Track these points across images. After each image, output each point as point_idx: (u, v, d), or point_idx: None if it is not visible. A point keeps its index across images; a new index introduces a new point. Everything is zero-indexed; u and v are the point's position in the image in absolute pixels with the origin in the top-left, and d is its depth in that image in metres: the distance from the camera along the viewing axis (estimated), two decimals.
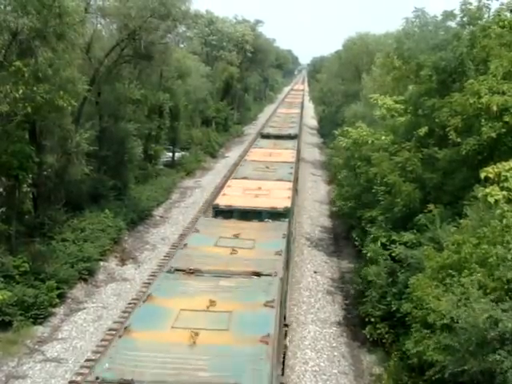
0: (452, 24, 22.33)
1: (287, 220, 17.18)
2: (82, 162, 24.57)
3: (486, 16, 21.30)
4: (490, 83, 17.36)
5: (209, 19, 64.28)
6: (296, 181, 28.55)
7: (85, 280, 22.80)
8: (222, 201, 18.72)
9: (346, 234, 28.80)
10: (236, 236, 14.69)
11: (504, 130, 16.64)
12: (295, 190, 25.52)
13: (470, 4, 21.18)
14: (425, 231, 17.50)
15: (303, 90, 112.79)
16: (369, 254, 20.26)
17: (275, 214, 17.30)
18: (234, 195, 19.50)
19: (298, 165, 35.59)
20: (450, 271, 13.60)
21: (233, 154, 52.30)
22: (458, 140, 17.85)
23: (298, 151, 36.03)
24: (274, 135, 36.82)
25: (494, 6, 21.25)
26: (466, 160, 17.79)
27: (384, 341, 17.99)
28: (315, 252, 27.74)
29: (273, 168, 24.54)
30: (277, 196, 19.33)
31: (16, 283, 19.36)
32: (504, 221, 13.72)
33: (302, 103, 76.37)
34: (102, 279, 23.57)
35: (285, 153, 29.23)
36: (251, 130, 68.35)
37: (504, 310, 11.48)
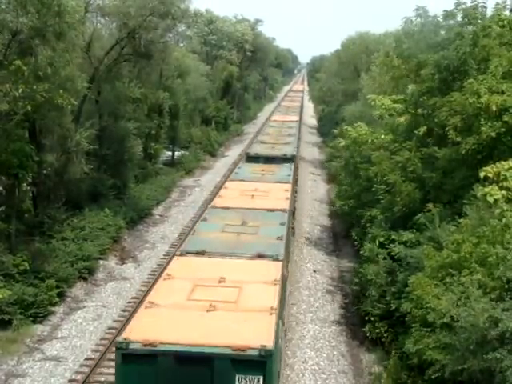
0: (452, 23, 22.37)
1: None
2: (81, 161, 24.60)
3: (482, 15, 21.33)
4: (489, 83, 17.37)
5: (208, 18, 64.31)
6: (289, 255, 18.48)
7: (84, 279, 22.81)
8: (137, 332, 9.47)
9: (345, 233, 28.81)
10: None
11: (503, 130, 16.63)
12: (287, 272, 15.47)
13: (465, 4, 21.24)
14: (424, 230, 17.52)
15: (302, 91, 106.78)
16: (366, 254, 20.28)
17: (242, 366, 9.16)
18: (168, 307, 10.33)
19: (294, 210, 25.41)
20: (450, 270, 13.61)
21: (232, 153, 52.29)
22: (458, 139, 17.85)
23: (295, 183, 27.31)
24: (263, 156, 28.58)
25: (492, 4, 21.19)
26: (466, 159, 17.79)
27: (383, 340, 18.00)
28: (314, 251, 27.76)
29: (253, 224, 15.69)
30: (252, 305, 10.54)
31: (16, 282, 19.35)
32: (503, 220, 13.72)
33: (302, 107, 69.40)
34: (101, 278, 23.57)
35: (275, 190, 20.54)
36: (251, 128, 68.32)
37: (504, 310, 11.50)
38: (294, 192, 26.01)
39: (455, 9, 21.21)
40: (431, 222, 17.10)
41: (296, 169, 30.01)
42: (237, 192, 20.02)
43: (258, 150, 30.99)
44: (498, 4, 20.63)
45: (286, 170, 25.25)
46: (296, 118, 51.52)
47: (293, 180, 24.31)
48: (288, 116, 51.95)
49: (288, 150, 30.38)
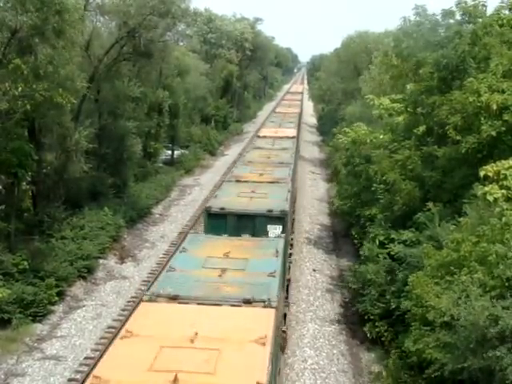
0: (451, 21, 22.42)
1: None
2: (81, 160, 24.57)
3: (482, 14, 21.38)
4: (489, 81, 17.38)
5: (208, 17, 64.26)
6: None
7: (84, 278, 22.80)
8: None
9: (345, 231, 28.81)
10: None
11: (504, 129, 16.65)
12: None
13: (465, 3, 21.26)
14: (424, 229, 17.52)
15: (302, 93, 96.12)
16: (366, 253, 20.26)
17: None
18: None
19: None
20: (451, 268, 13.61)
21: (232, 152, 52.26)
22: (458, 138, 17.86)
23: (284, 304, 16.32)
24: (234, 214, 17.54)
25: (492, 3, 21.27)
26: (466, 158, 17.79)
27: (383, 339, 18.01)
28: (314, 250, 27.74)
29: None
30: None
31: (15, 281, 19.36)
32: (503, 219, 13.72)
33: (300, 114, 57.56)
34: (101, 277, 23.56)
35: (242, 334, 9.43)
36: (250, 127, 68.30)
37: (504, 308, 11.49)
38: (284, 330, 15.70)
39: (456, 7, 21.26)
40: (431, 221, 17.10)
41: (287, 252, 17.47)
42: (150, 348, 8.92)
43: (227, 199, 18.80)
44: (502, 2, 20.66)
45: (269, 255, 13.73)
46: (293, 131, 37.79)
47: (279, 300, 11.58)
48: (282, 129, 38.41)
49: (277, 200, 18.66)
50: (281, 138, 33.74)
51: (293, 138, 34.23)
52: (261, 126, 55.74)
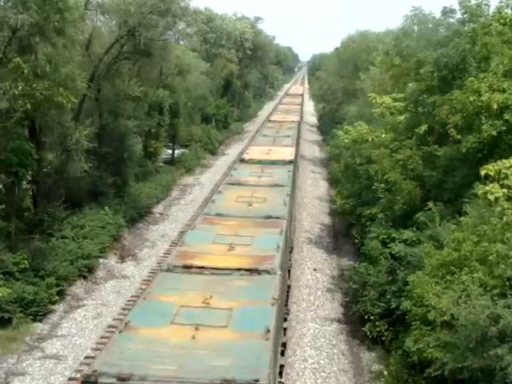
0: (452, 21, 22.41)
1: None
2: (81, 159, 24.55)
3: (486, 13, 21.36)
4: (490, 81, 17.36)
5: (208, 16, 64.21)
6: None
7: (84, 277, 22.79)
8: None
9: (345, 231, 28.78)
10: None
11: (504, 128, 16.64)
12: None
13: (469, 1, 21.24)
14: (424, 229, 17.51)
15: (302, 95, 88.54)
16: (370, 252, 20.22)
17: None
18: None
19: None
20: (452, 268, 13.60)
21: (232, 152, 52.25)
22: (458, 138, 17.85)
23: None
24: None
25: (494, 2, 21.26)
26: (467, 158, 17.79)
27: (383, 338, 18.00)
28: (315, 249, 27.73)
29: None
30: None
31: (15, 280, 19.36)
32: (504, 218, 13.72)
33: (300, 123, 49.24)
34: (101, 276, 23.56)
35: None
36: (251, 127, 68.29)
37: (506, 306, 11.48)
38: None
39: (459, 5, 21.23)
40: (432, 221, 17.10)
41: None
42: None
43: (145, 339, 9.59)
44: (501, 2, 20.65)
45: None
46: (290, 151, 29.03)
47: None
48: (276, 148, 29.89)
49: (249, 335, 9.76)
50: (273, 161, 25.54)
51: (290, 162, 25.57)
52: (260, 126, 55.05)
